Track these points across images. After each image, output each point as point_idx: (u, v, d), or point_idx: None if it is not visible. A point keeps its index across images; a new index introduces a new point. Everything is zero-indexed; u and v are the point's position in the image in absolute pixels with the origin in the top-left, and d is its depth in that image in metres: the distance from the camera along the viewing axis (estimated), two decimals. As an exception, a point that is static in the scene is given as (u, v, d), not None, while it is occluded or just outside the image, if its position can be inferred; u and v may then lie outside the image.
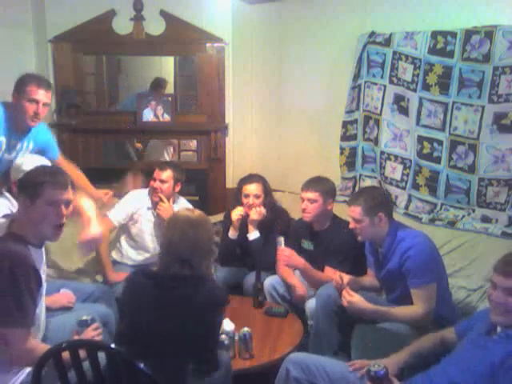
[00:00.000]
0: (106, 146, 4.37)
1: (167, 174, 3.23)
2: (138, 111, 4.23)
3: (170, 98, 4.29)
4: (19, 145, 2.76)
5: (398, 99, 3.42)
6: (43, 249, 2.03)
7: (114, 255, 3.35)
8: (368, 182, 3.68)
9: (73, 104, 4.15)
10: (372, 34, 3.49)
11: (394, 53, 3.37)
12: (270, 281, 3.00)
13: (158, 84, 4.56)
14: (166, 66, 4.65)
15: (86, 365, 1.69)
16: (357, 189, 3.74)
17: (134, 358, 1.64)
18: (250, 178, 3.27)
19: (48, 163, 2.66)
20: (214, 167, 4.34)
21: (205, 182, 4.34)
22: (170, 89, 4.59)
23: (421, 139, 3.32)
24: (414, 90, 3.29)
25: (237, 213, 3.21)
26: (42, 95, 2.65)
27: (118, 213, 3.24)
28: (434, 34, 3.16)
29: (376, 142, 3.59)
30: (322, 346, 2.58)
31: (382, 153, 3.55)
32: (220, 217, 3.68)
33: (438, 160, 3.27)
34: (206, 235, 1.93)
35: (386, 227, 2.49)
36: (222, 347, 2.23)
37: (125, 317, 1.91)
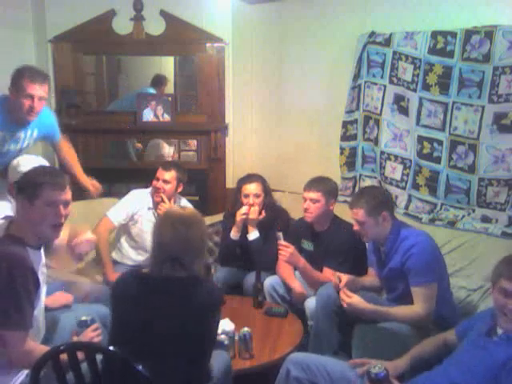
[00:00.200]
0: (106, 146, 4.37)
1: (171, 175, 3.22)
2: (138, 111, 4.23)
3: (169, 98, 4.29)
4: (23, 135, 2.78)
5: (398, 99, 3.42)
6: (42, 250, 2.03)
7: (115, 255, 3.35)
8: (368, 182, 3.68)
9: (73, 104, 4.15)
10: (372, 33, 3.49)
11: (394, 53, 3.37)
12: (269, 281, 3.00)
13: (159, 81, 4.55)
14: (166, 66, 4.65)
15: (84, 366, 1.68)
16: (357, 189, 3.74)
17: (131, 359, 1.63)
18: (250, 178, 3.27)
19: (45, 163, 2.65)
20: (214, 167, 4.34)
21: (205, 182, 4.34)
22: (170, 89, 4.59)
23: (421, 139, 3.32)
24: (414, 90, 3.29)
25: (242, 213, 3.19)
26: (37, 89, 2.64)
27: (118, 213, 3.24)
28: (434, 34, 3.16)
29: (376, 142, 3.59)
30: (321, 346, 2.58)
31: (382, 153, 3.55)
32: (220, 217, 3.68)
33: (437, 160, 3.27)
34: (199, 233, 1.88)
35: (389, 226, 2.49)
36: (222, 347, 2.24)
37: (114, 318, 1.88)
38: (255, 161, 4.36)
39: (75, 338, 1.96)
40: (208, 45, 4.20)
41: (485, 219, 3.10)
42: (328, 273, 2.81)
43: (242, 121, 4.36)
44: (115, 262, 3.28)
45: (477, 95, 3.03)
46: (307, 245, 3.06)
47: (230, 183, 4.28)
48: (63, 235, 2.39)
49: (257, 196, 3.21)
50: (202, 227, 1.92)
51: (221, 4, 4.16)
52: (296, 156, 4.12)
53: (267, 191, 3.29)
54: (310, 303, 2.77)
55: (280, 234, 2.86)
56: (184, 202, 3.41)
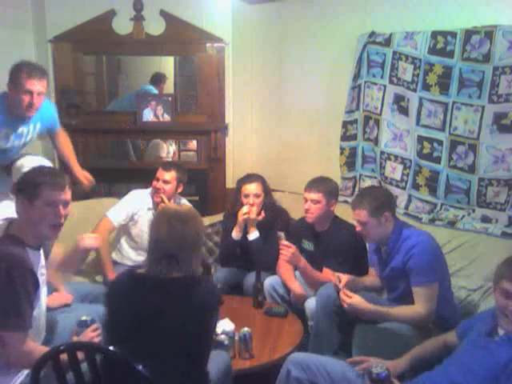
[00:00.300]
0: (106, 146, 4.37)
1: (171, 175, 3.21)
2: (138, 111, 4.23)
3: (170, 98, 4.29)
4: (25, 130, 2.81)
5: (398, 99, 3.42)
6: (41, 251, 2.03)
7: (114, 256, 3.35)
8: (368, 182, 3.68)
9: (73, 104, 4.15)
10: (372, 33, 3.49)
11: (394, 53, 3.37)
12: (269, 281, 3.00)
13: (158, 79, 4.56)
14: (166, 66, 4.64)
15: (84, 366, 1.68)
16: (357, 189, 3.75)
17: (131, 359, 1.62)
18: (249, 178, 3.26)
19: (49, 164, 2.66)
20: (214, 167, 4.34)
21: (205, 182, 4.34)
22: (170, 89, 4.59)
23: (421, 139, 3.32)
24: (414, 90, 3.29)
25: (244, 212, 3.17)
26: (36, 85, 2.65)
27: (117, 213, 3.23)
28: (434, 34, 3.16)
29: (376, 142, 3.59)
30: (322, 346, 2.58)
31: (382, 153, 3.55)
32: (220, 217, 3.68)
33: (437, 160, 3.27)
34: (195, 230, 1.85)
35: (391, 226, 2.49)
36: (222, 347, 2.24)
37: (108, 318, 1.85)
38: (255, 161, 4.36)
39: (75, 338, 1.96)
40: (208, 45, 4.20)
41: (485, 219, 3.10)
42: (328, 273, 2.81)
43: (242, 121, 4.35)
44: (115, 263, 3.27)
45: (477, 95, 3.03)
46: (308, 245, 3.06)
47: (230, 183, 4.28)
48: (58, 250, 2.41)
49: (257, 196, 3.20)
50: (199, 224, 1.90)
51: (221, 4, 4.16)
52: (296, 156, 4.12)
53: (267, 191, 3.29)
54: (310, 303, 2.77)
55: (282, 234, 2.86)
56: (184, 202, 3.40)
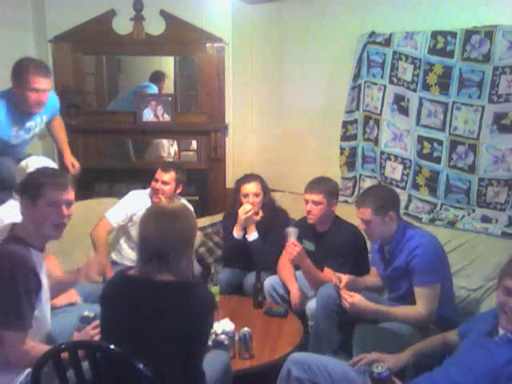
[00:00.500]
0: (106, 146, 4.37)
1: (170, 176, 3.20)
2: (138, 111, 4.23)
3: (170, 98, 4.29)
4: (33, 124, 2.87)
5: (398, 99, 3.42)
6: (44, 253, 2.03)
7: (114, 256, 3.34)
8: (368, 182, 3.68)
9: (73, 104, 4.15)
10: (372, 34, 3.49)
11: (394, 53, 3.37)
12: (269, 281, 3.00)
13: (158, 77, 4.56)
14: (166, 66, 4.65)
15: (85, 365, 1.68)
16: (357, 189, 3.75)
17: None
18: (248, 178, 3.26)
19: (53, 164, 2.67)
20: (214, 167, 4.34)
21: (205, 182, 4.34)
22: (170, 89, 4.59)
23: (421, 139, 3.32)
24: (414, 90, 3.29)
25: (246, 211, 3.15)
26: (42, 83, 2.70)
27: (116, 214, 3.22)
28: (434, 34, 3.16)
29: (376, 141, 3.59)
30: (322, 346, 2.58)
31: (382, 153, 3.55)
32: (220, 217, 3.68)
33: (438, 160, 3.27)
34: (184, 227, 1.78)
35: (394, 225, 2.49)
36: (222, 347, 2.24)
37: (102, 318, 1.83)
38: (255, 161, 4.37)
39: (76, 334, 1.98)
40: (208, 45, 4.20)
41: (485, 219, 3.09)
42: (329, 273, 2.80)
43: (242, 121, 4.36)
44: (115, 263, 3.27)
45: (477, 95, 3.03)
46: (308, 245, 3.05)
47: (230, 183, 4.27)
48: (54, 262, 2.44)
49: (256, 195, 3.20)
50: (189, 221, 1.82)
51: (221, 4, 4.16)
52: (296, 156, 4.12)
53: (266, 190, 3.28)
54: (311, 304, 2.77)
55: (291, 231, 2.82)
56: (183, 202, 3.40)
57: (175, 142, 4.50)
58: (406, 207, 3.44)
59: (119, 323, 1.73)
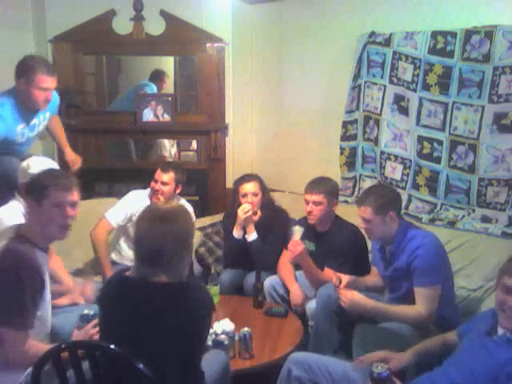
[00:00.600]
0: (106, 146, 4.37)
1: (169, 176, 3.19)
2: (138, 111, 4.23)
3: (170, 98, 4.29)
4: (37, 121, 2.93)
5: (398, 99, 3.42)
6: (48, 254, 2.04)
7: (114, 256, 3.34)
8: (368, 182, 3.68)
9: (73, 104, 4.15)
10: (372, 34, 3.49)
11: (394, 53, 3.37)
12: (269, 281, 3.00)
13: (158, 76, 4.56)
14: (166, 66, 4.65)
15: (85, 364, 1.68)
16: (357, 189, 3.75)
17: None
18: (246, 178, 3.25)
19: (55, 165, 2.67)
20: (214, 167, 4.34)
21: (205, 182, 4.34)
22: (170, 89, 4.59)
23: (421, 139, 3.32)
24: (414, 90, 3.29)
25: (245, 210, 3.14)
26: (49, 82, 2.75)
27: (116, 214, 3.22)
28: (434, 34, 3.16)
29: (376, 141, 3.59)
30: (322, 346, 2.58)
31: (382, 153, 3.55)
32: (220, 217, 3.67)
33: (438, 160, 3.27)
34: (178, 228, 1.75)
35: (395, 226, 2.48)
36: (222, 347, 2.23)
37: (100, 319, 1.84)
38: (255, 161, 4.37)
39: (76, 332, 1.99)
40: (208, 45, 4.20)
41: (485, 219, 3.09)
42: (329, 273, 2.80)
43: (242, 121, 4.36)
44: (115, 263, 3.26)
45: (477, 95, 3.03)
46: (309, 245, 3.05)
47: (230, 183, 4.25)
48: (59, 261, 2.50)
49: (255, 194, 3.19)
50: (184, 222, 1.79)
51: (221, 4, 4.16)
52: (296, 156, 4.12)
53: (264, 190, 3.27)
54: (311, 304, 2.77)
55: (296, 230, 2.81)
56: (183, 202, 3.39)
57: (174, 143, 4.50)
58: (406, 207, 3.43)
59: (118, 323, 1.73)
